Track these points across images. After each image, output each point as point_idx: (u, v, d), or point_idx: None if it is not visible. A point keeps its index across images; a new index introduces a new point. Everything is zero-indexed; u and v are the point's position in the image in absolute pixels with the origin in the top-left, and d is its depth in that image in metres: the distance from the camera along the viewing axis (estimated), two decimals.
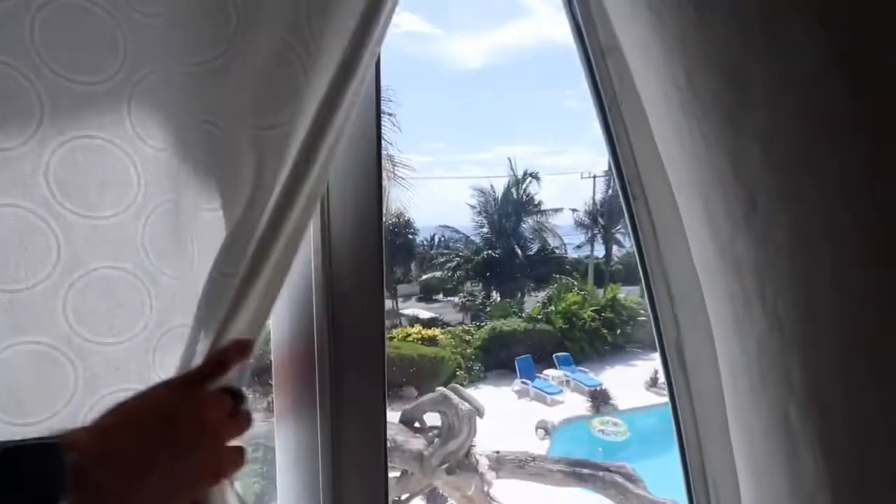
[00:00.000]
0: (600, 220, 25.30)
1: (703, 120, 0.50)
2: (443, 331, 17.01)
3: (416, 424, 3.00)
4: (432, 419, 3.11)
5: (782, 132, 0.47)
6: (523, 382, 14.48)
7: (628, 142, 0.69)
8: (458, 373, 15.14)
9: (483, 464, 2.61)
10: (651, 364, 16.54)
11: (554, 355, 15.83)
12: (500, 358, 16.11)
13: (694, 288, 0.62)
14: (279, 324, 0.76)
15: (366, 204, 0.73)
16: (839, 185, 0.44)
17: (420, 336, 15.58)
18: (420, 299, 33.21)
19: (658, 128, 0.60)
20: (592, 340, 17.14)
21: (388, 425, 2.90)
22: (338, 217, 0.72)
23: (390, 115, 6.06)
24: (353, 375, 0.74)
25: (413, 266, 26.56)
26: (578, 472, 2.55)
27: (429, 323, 18.49)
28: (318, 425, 0.75)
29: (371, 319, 0.75)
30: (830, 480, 0.43)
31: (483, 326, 17.61)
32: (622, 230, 26.31)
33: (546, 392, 13.66)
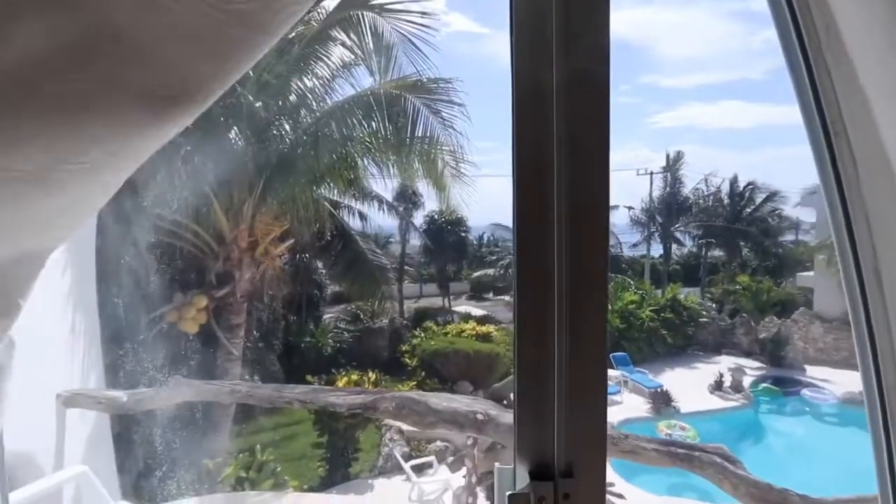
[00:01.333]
0: (658, 217, 24.50)
1: None
2: (497, 328, 17.03)
3: (504, 402, 3.11)
4: None
5: None
6: None
7: (832, 86, 0.77)
8: (512, 370, 15.14)
9: None
10: (714, 367, 15.87)
11: (611, 355, 15.51)
12: None
13: (891, 215, 0.69)
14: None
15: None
16: None
17: (475, 332, 15.69)
18: (470, 297, 33.31)
19: (871, 68, 0.68)
20: (651, 341, 16.66)
21: (476, 401, 3.05)
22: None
23: (460, 105, 6.21)
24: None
25: (464, 264, 26.71)
26: (674, 451, 2.57)
27: (482, 320, 18.58)
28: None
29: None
30: None
31: None
32: (681, 228, 25.38)
33: None
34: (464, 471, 3.45)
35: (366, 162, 6.92)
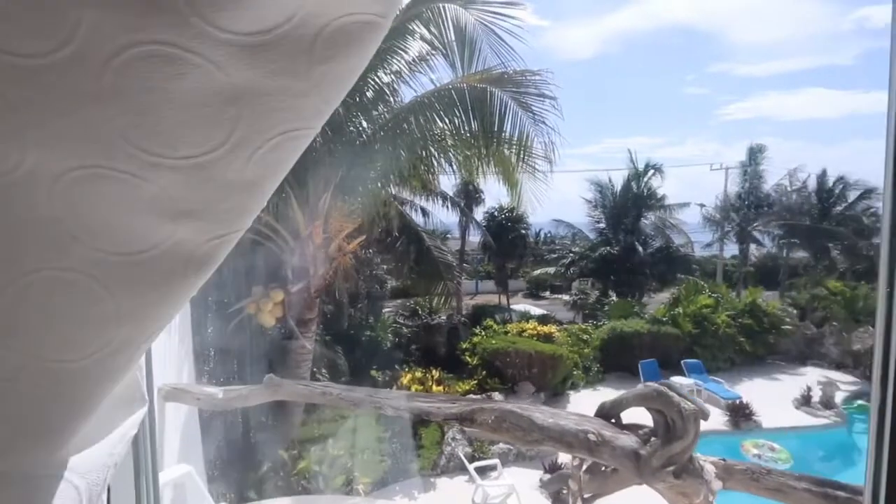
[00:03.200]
0: (734, 216, 22.89)
1: None
2: (559, 328, 16.55)
3: (613, 421, 2.83)
4: (630, 416, 2.93)
5: None
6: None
7: None
8: (574, 372, 14.66)
9: (709, 471, 2.37)
10: (798, 380, 14.60)
11: (682, 361, 14.65)
12: (620, 360, 15.30)
13: None
14: None
15: None
16: None
17: (536, 332, 15.31)
18: (527, 295, 32.81)
19: None
20: (726, 348, 15.58)
21: (585, 419, 2.72)
22: None
23: (552, 98, 5.84)
24: None
25: (523, 261, 26.23)
26: (832, 493, 2.21)
27: (543, 319, 18.13)
28: None
29: None
30: None
31: (601, 326, 16.85)
32: (760, 227, 23.57)
33: None
34: (563, 489, 3.23)
35: (442, 159, 6.76)
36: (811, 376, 14.47)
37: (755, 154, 22.32)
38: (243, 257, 7.48)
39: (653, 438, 2.48)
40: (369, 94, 6.48)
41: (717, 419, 12.22)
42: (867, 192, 21.84)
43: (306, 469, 6.35)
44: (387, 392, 3.09)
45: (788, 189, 22.81)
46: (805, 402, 12.81)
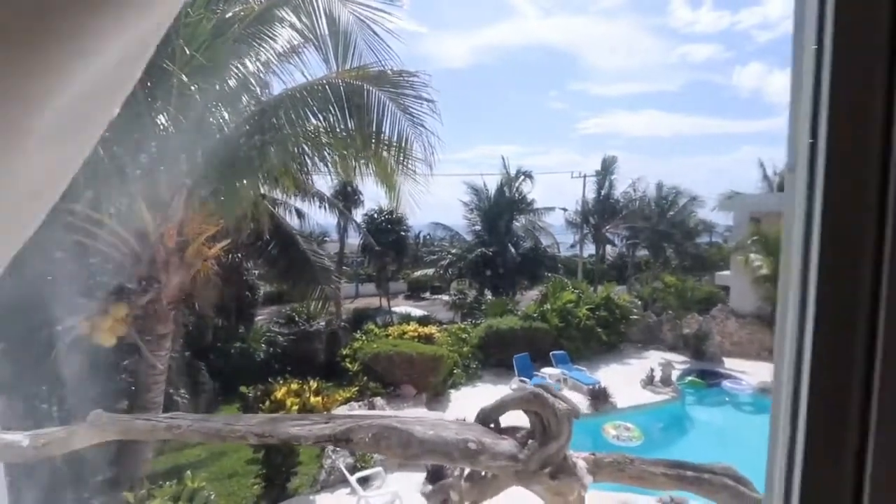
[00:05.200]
0: (592, 219, 25.52)
1: None
2: (439, 329, 16.84)
3: (492, 426, 2.84)
4: (507, 420, 2.96)
5: None
6: (521, 380, 14.43)
7: None
8: (455, 371, 15.01)
9: (581, 467, 2.47)
10: (644, 362, 16.73)
11: (551, 353, 15.82)
12: (497, 356, 16.04)
13: None
14: None
15: None
16: None
17: (416, 334, 15.38)
18: (408, 297, 32.96)
19: None
20: (587, 339, 17.21)
21: (465, 426, 2.69)
22: None
23: (430, 101, 5.74)
24: None
25: (403, 263, 26.29)
26: (682, 474, 2.44)
27: (423, 321, 18.30)
28: None
29: None
30: None
31: (478, 324, 17.52)
32: (611, 230, 26.64)
33: None
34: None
35: (316, 157, 6.35)
36: (653, 359, 16.62)
37: (608, 165, 25.14)
38: (75, 266, 6.28)
39: (530, 441, 2.51)
40: (231, 82, 5.84)
41: (580, 404, 13.42)
42: (692, 200, 25.84)
43: None
44: (248, 418, 2.73)
45: (633, 196, 26.09)
46: (649, 381, 14.65)
